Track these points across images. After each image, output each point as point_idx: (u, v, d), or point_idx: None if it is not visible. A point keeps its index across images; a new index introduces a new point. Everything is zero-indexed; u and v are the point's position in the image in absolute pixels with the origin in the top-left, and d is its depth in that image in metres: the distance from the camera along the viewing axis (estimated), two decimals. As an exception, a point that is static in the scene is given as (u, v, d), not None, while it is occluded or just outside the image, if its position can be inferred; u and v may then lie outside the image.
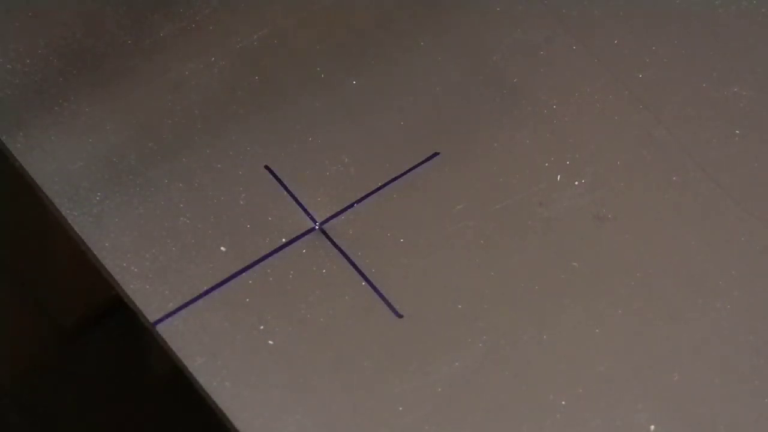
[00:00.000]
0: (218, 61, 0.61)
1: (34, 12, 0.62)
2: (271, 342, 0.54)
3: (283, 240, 0.57)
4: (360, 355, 0.54)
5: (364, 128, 0.59)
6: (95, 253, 0.56)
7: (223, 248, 0.56)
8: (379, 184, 0.58)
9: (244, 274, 0.56)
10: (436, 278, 0.56)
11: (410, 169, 0.59)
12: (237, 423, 0.52)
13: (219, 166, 0.58)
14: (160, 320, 0.54)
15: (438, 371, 0.54)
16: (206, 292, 0.55)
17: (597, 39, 0.63)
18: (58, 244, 0.62)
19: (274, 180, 0.58)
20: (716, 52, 0.63)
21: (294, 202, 0.57)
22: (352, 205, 0.57)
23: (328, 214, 0.57)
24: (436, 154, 0.59)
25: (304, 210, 0.57)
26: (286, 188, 0.58)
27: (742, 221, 0.59)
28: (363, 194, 0.58)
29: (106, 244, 0.56)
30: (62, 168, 0.58)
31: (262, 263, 0.56)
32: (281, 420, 0.53)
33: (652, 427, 0.53)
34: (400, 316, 0.55)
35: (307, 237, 0.57)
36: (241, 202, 0.57)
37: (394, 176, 0.58)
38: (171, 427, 0.66)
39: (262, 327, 0.54)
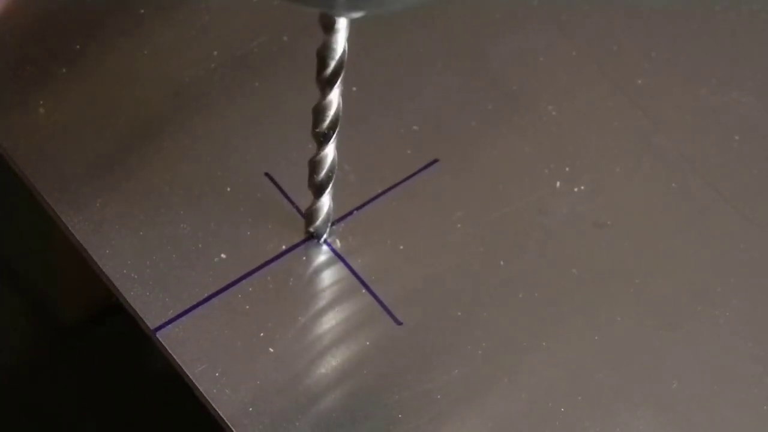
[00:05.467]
0: (218, 68, 0.61)
1: (33, 17, 0.62)
2: (271, 349, 0.54)
3: (284, 247, 0.57)
4: (359, 362, 0.54)
5: (363, 135, 0.59)
6: (96, 259, 0.56)
7: (223, 255, 0.56)
8: (379, 192, 0.58)
9: (244, 281, 0.56)
10: (436, 285, 0.56)
11: (410, 176, 0.59)
12: (237, 430, 0.53)
13: (219, 173, 0.58)
14: (161, 327, 0.54)
15: (437, 378, 0.54)
16: (206, 299, 0.55)
17: (596, 46, 0.63)
18: (59, 250, 0.62)
19: (275, 187, 0.58)
20: (715, 58, 0.63)
21: (294, 210, 0.58)
22: (351, 213, 0.57)
23: (329, 222, 0.57)
24: (435, 161, 0.59)
25: (304, 217, 0.57)
26: (286, 195, 0.58)
27: (741, 228, 0.59)
28: (363, 201, 0.58)
29: (107, 251, 0.56)
30: (63, 174, 0.58)
31: (262, 270, 0.56)
32: (282, 427, 0.53)
33: (651, 435, 0.54)
34: (400, 324, 0.55)
35: (307, 244, 0.57)
36: (242, 210, 0.57)
37: (393, 183, 0.58)
38: (171, 429, 0.66)
39: (262, 334, 0.55)
